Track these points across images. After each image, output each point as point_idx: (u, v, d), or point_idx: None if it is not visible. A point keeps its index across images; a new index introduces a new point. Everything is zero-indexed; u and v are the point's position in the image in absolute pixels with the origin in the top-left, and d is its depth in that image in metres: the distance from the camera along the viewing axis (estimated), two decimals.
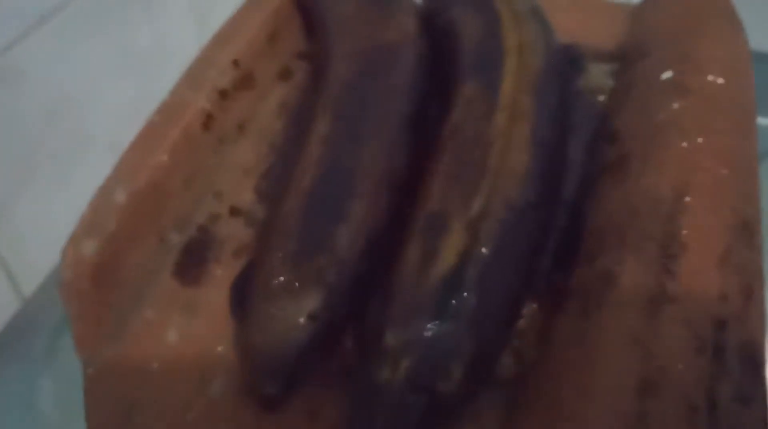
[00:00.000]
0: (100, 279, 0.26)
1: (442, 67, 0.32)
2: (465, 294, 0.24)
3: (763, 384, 0.23)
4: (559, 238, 0.28)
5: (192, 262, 0.28)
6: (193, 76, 0.31)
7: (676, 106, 0.30)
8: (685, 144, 0.29)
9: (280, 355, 0.24)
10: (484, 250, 0.24)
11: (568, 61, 0.36)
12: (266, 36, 0.34)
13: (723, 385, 0.22)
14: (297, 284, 0.24)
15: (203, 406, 0.25)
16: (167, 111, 0.30)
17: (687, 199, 0.27)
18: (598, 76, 0.36)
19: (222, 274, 0.28)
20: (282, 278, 0.24)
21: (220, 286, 0.27)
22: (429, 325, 0.23)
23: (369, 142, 0.28)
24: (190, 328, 0.27)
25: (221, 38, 0.32)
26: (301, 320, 0.24)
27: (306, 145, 0.28)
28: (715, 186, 0.28)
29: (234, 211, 0.30)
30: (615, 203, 0.28)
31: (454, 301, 0.23)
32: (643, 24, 0.37)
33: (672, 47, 0.34)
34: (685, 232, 0.26)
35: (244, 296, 0.27)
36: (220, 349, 0.26)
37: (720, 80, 0.31)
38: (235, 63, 0.32)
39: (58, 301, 0.26)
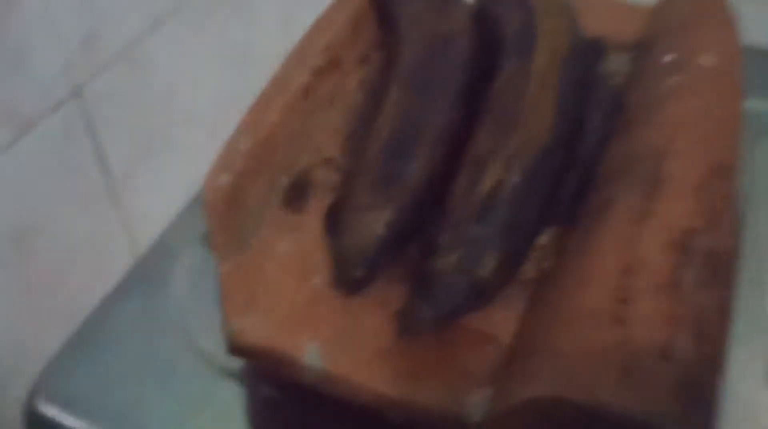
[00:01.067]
0: (230, 203, 0.35)
1: (490, 51, 0.41)
2: (497, 208, 0.32)
3: (723, 279, 0.31)
4: (577, 179, 0.37)
5: (296, 196, 0.37)
6: (296, 58, 0.40)
7: (674, 79, 0.38)
8: (678, 106, 0.37)
9: (364, 248, 0.33)
10: (515, 178, 0.33)
11: (592, 51, 0.45)
12: (351, 28, 0.43)
13: (687, 272, 0.30)
14: (375, 204, 0.33)
15: (307, 293, 0.34)
16: (276, 83, 0.39)
17: (674, 145, 0.35)
18: (617, 62, 0.44)
19: (318, 204, 0.37)
20: (363, 199, 0.33)
21: (317, 213, 0.37)
22: (470, 229, 0.32)
23: (431, 105, 0.36)
24: (295, 242, 0.36)
25: (316, 29, 0.42)
26: (378, 227, 0.33)
27: (382, 109, 0.38)
28: (698, 135, 0.35)
29: (327, 161, 0.39)
30: (618, 152, 0.37)
31: (488, 214, 0.32)
32: (657, 20, 0.45)
33: (675, 36, 0.42)
34: (667, 167, 0.34)
35: (335, 218, 0.36)
36: (318, 255, 0.35)
37: (711, 60, 0.39)
38: (327, 48, 0.41)
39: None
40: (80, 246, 0.49)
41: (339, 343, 0.32)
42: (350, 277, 0.33)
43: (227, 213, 0.35)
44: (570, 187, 0.36)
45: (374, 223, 0.33)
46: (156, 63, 0.49)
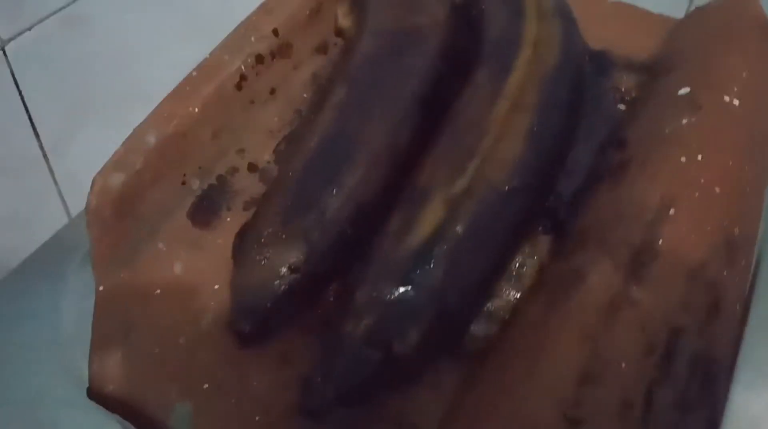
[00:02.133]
0: (121, 209, 0.29)
1: (464, 54, 0.34)
2: (432, 266, 0.26)
3: (714, 398, 0.24)
4: (549, 229, 0.30)
5: (207, 206, 0.31)
6: (233, 40, 0.34)
7: (684, 121, 0.31)
8: (683, 159, 0.29)
9: (258, 297, 0.26)
10: (458, 227, 0.26)
11: (596, 66, 0.37)
12: (309, 11, 0.36)
13: (664, 390, 0.24)
14: (284, 237, 0.27)
15: (193, 334, 0.28)
16: (205, 69, 0.32)
17: (672, 211, 0.28)
18: (624, 84, 0.36)
19: (231, 221, 0.31)
20: (271, 230, 0.27)
21: (227, 232, 0.30)
22: (393, 289, 0.25)
23: (376, 115, 0.30)
24: (193, 264, 0.29)
25: (266, 8, 0.35)
26: (282, 270, 0.26)
27: (320, 111, 0.31)
28: (703, 202, 0.28)
29: (252, 167, 0.32)
30: (605, 205, 0.30)
31: (419, 271, 0.25)
32: (677, 38, 0.38)
33: (696, 63, 0.34)
34: (661, 241, 0.27)
35: (241, 246, 0.29)
36: (216, 286, 0.29)
37: (735, 101, 0.31)
38: (275, 32, 0.34)
39: None
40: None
41: (215, 409, 0.26)
42: (238, 329, 0.26)
43: (114, 221, 0.29)
44: (537, 238, 0.30)
45: (278, 264, 0.26)
46: (96, 25, 0.43)
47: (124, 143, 0.30)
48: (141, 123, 0.31)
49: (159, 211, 0.30)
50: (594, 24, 0.39)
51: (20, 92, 0.40)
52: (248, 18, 0.35)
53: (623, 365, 0.24)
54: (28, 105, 0.41)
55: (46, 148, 0.43)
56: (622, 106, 0.36)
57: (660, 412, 0.24)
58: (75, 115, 0.44)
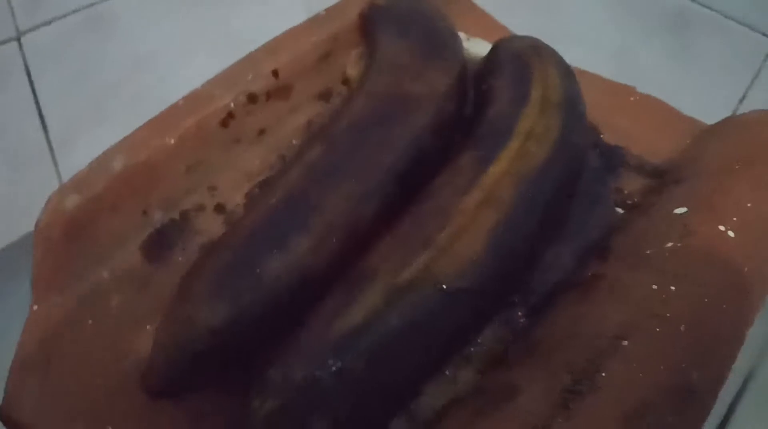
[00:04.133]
0: (71, 232, 0.29)
1: (457, 132, 0.32)
2: (355, 356, 0.24)
3: None
4: (505, 336, 0.28)
5: (162, 241, 0.30)
6: (229, 75, 0.33)
7: (669, 244, 0.29)
8: (655, 287, 0.28)
9: (172, 356, 0.25)
10: (393, 321, 0.25)
11: (605, 162, 0.35)
12: (318, 56, 0.35)
13: None
14: (211, 297, 0.26)
15: (112, 376, 0.27)
16: (191, 100, 0.32)
17: (625, 342, 0.26)
18: (629, 187, 0.34)
19: (182, 262, 0.30)
20: (201, 287, 0.26)
21: (176, 272, 0.29)
22: (307, 374, 0.24)
23: (344, 184, 0.28)
24: (133, 300, 0.29)
25: (270, 47, 0.34)
26: (202, 331, 0.25)
27: (291, 167, 0.30)
28: (663, 339, 0.26)
29: (219, 208, 0.32)
30: (565, 319, 0.28)
31: (339, 360, 0.24)
32: (698, 147, 0.35)
33: (704, 181, 0.32)
34: (604, 374, 0.25)
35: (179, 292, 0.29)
36: (148, 327, 0.28)
37: (731, 233, 0.29)
38: (275, 73, 0.34)
39: None
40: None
41: None
42: (148, 384, 0.26)
43: (62, 243, 0.29)
44: (485, 342, 0.28)
45: (199, 322, 0.25)
46: (119, 26, 0.43)
47: (90, 164, 0.30)
48: (112, 146, 0.30)
49: (112, 238, 0.30)
50: (618, 116, 0.37)
51: (32, 84, 0.41)
52: (250, 55, 0.34)
53: None
54: (39, 98, 0.41)
55: (53, 142, 0.43)
56: (620, 210, 0.34)
57: None
58: (86, 113, 0.44)
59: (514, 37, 0.37)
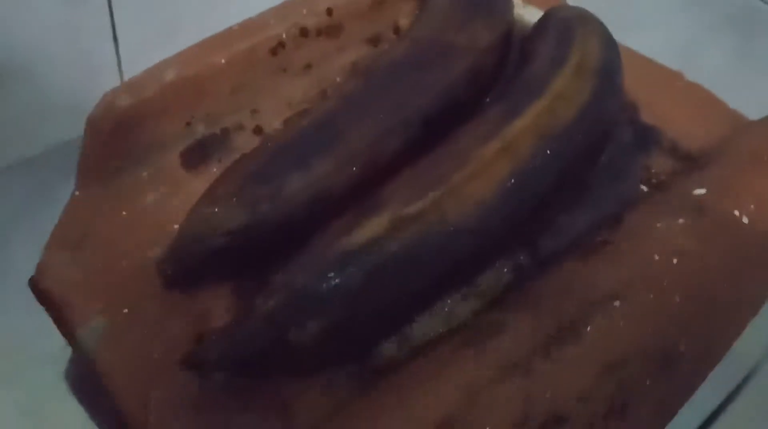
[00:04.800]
0: (119, 129, 0.31)
1: (492, 87, 0.33)
2: (353, 272, 0.26)
3: None
4: (504, 282, 0.29)
5: (201, 152, 0.33)
6: (284, 7, 0.35)
7: (680, 221, 0.30)
8: (657, 257, 0.28)
9: (188, 248, 0.28)
10: (393, 246, 0.26)
11: (639, 140, 0.36)
12: (372, 1, 0.37)
13: None
14: (233, 199, 0.28)
15: (136, 261, 0.29)
16: (246, 26, 0.34)
17: (617, 303, 0.27)
18: (658, 167, 0.35)
19: (216, 173, 0.32)
20: (226, 189, 0.28)
21: (208, 181, 0.32)
22: (307, 280, 0.26)
23: (371, 118, 0.30)
24: (166, 200, 0.31)
25: None
26: (219, 231, 0.27)
27: (328, 97, 0.31)
28: (654, 306, 0.27)
29: (257, 130, 0.34)
30: (561, 276, 0.29)
31: (338, 273, 0.26)
32: (734, 140, 0.35)
33: (729, 168, 0.32)
34: (589, 328, 0.26)
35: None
36: (175, 226, 0.30)
37: (744, 220, 0.30)
38: (329, 11, 0.35)
39: None
40: None
41: (123, 335, 0.28)
42: (161, 268, 0.28)
43: (109, 137, 0.31)
44: (482, 284, 0.29)
45: (218, 222, 0.27)
46: None
47: (144, 71, 0.32)
48: (166, 59, 0.32)
49: (155, 141, 0.32)
50: (660, 98, 0.37)
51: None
52: None
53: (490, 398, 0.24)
54: (114, 14, 0.44)
55: (122, 56, 0.46)
56: (644, 188, 0.34)
57: None
58: (158, 37, 0.46)
59: (565, 6, 0.37)
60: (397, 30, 0.38)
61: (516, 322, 0.27)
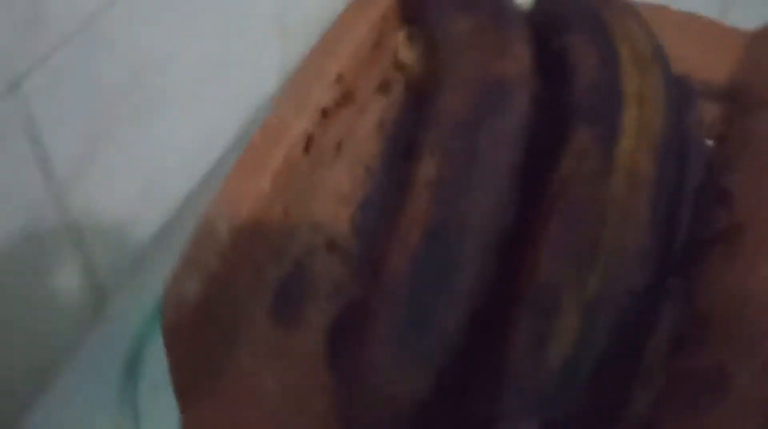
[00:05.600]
0: (200, 322, 0.25)
1: (555, 104, 0.30)
2: (578, 388, 0.23)
3: None
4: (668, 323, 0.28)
5: (287, 301, 0.27)
6: (296, 93, 0.29)
7: None
8: None
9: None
10: (599, 339, 0.24)
11: (679, 95, 0.34)
12: (372, 43, 0.32)
13: None
14: (409, 361, 0.24)
15: None
16: (269, 133, 0.28)
17: None
18: (707, 116, 0.34)
19: (318, 317, 0.27)
20: (391, 353, 0.24)
21: (316, 331, 0.27)
22: (539, 419, 0.23)
23: (478, 195, 0.26)
24: (287, 377, 0.26)
25: (326, 47, 0.30)
26: (409, 403, 0.23)
27: (411, 188, 0.27)
28: None
29: (330, 246, 0.29)
30: (727, 287, 0.27)
31: (568, 396, 0.23)
32: (756, 60, 0.35)
33: None
34: None
35: (341, 348, 0.26)
36: (320, 406, 0.25)
37: None
38: (339, 78, 0.30)
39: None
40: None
41: None
42: None
43: (194, 338, 0.25)
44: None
45: (404, 396, 0.23)
46: (116, 40, 0.37)
47: (192, 239, 0.26)
48: (208, 210, 0.26)
49: (237, 312, 0.27)
50: (662, 34, 0.36)
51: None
52: (308, 61, 0.30)
53: None
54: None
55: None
56: (710, 142, 0.33)
57: None
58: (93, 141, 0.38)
59: None
60: (400, 67, 0.33)
61: (733, 365, 0.25)
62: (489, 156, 0.27)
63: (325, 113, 0.30)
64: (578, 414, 0.23)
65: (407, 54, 0.33)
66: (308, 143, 0.29)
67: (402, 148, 0.31)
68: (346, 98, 0.31)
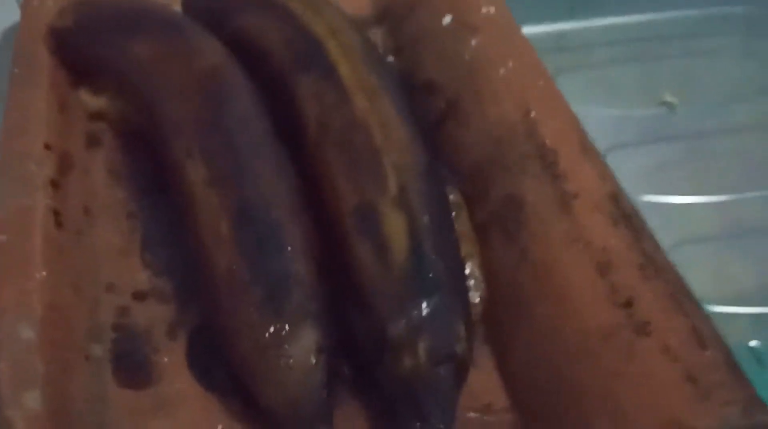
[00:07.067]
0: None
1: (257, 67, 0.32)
2: (433, 263, 0.25)
3: None
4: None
5: (132, 364, 0.25)
6: (13, 177, 0.27)
7: (474, 42, 0.34)
8: (502, 70, 0.32)
9: (309, 399, 0.23)
10: (425, 219, 0.26)
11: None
12: (58, 108, 0.30)
13: (643, 243, 0.27)
14: (287, 327, 0.23)
15: None
16: (14, 223, 0.25)
17: (532, 113, 0.30)
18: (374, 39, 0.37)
19: (169, 360, 0.25)
20: (271, 328, 0.23)
21: (176, 371, 0.25)
22: (423, 303, 0.24)
23: (260, 171, 0.27)
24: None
25: (17, 128, 0.28)
26: (312, 358, 0.23)
27: (188, 196, 0.27)
28: (546, 96, 0.31)
29: (138, 296, 0.27)
30: (470, 139, 0.31)
31: (430, 274, 0.25)
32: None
33: None
34: (548, 140, 0.30)
35: (212, 367, 0.25)
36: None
37: (492, 9, 0.35)
38: (48, 146, 0.28)
39: None
40: None
41: None
42: None
43: None
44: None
45: (305, 355, 0.23)
46: None
47: (4, 355, 0.22)
48: (3, 321, 0.23)
49: (90, 404, 0.24)
50: None
51: None
52: (4, 148, 0.27)
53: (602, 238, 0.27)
54: None
55: None
56: (390, 58, 0.37)
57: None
58: None
59: None
60: (98, 116, 0.32)
61: (518, 188, 0.29)
62: (246, 134, 0.28)
63: (55, 184, 0.27)
64: (449, 283, 0.25)
65: (97, 103, 0.32)
66: (57, 218, 0.27)
67: (149, 180, 0.30)
68: (65, 163, 0.29)
